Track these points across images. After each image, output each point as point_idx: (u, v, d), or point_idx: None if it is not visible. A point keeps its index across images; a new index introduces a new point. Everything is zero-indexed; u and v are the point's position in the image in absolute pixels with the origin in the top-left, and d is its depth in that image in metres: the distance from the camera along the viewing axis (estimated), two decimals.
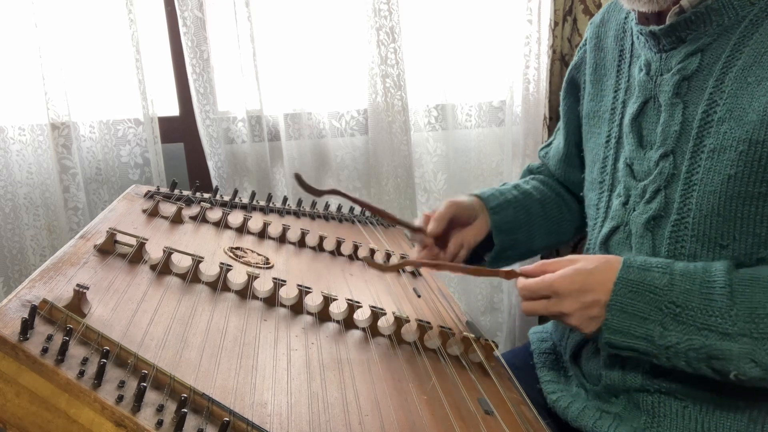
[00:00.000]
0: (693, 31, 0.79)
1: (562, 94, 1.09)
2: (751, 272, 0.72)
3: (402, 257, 1.11)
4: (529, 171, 1.21)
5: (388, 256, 1.08)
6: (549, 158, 1.15)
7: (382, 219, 1.10)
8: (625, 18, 0.93)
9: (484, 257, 1.05)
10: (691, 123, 0.79)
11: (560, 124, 1.12)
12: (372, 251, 1.09)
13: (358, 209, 1.31)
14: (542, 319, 1.65)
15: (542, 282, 0.76)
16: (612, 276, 0.74)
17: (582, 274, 0.75)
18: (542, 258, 1.30)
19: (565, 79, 1.07)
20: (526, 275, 0.79)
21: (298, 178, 0.95)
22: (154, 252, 0.79)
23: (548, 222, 1.08)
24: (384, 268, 0.88)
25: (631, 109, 0.87)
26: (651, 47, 0.85)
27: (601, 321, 0.74)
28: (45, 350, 0.52)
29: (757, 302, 0.69)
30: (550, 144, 1.17)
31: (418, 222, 1.00)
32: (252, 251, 0.94)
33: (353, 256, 1.06)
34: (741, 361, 0.68)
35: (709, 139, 0.77)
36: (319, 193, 0.97)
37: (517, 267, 0.84)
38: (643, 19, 0.85)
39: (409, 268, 1.08)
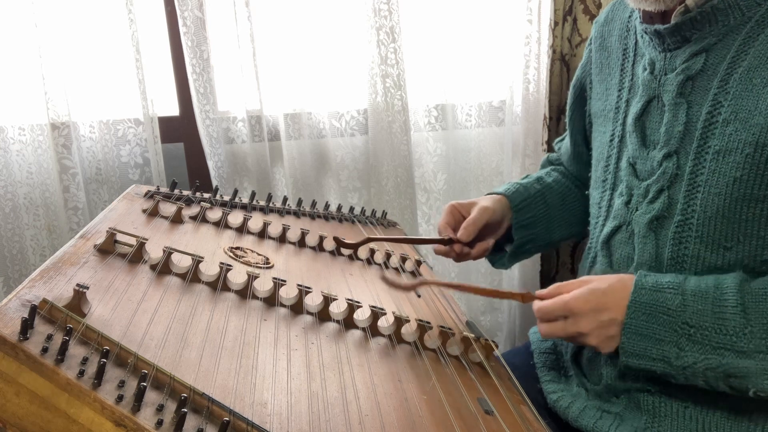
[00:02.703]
0: (698, 30, 0.79)
1: (569, 93, 1.09)
2: (763, 286, 0.71)
3: (402, 257, 1.11)
4: (549, 162, 1.22)
5: (389, 256, 1.08)
6: (562, 154, 1.17)
7: (417, 243, 1.16)
8: (629, 17, 0.93)
9: (505, 248, 1.07)
10: (695, 123, 0.79)
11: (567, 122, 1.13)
12: (372, 251, 1.09)
13: (357, 209, 1.31)
14: None
15: (557, 302, 0.76)
16: (626, 295, 0.74)
17: (596, 293, 0.75)
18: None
19: (573, 80, 1.08)
20: (542, 298, 0.79)
21: (337, 240, 1.00)
22: (154, 252, 0.79)
23: (568, 214, 1.10)
24: (401, 287, 0.88)
25: (635, 108, 0.87)
26: (655, 46, 0.84)
27: (619, 340, 0.75)
28: (45, 350, 0.52)
29: None
30: (563, 139, 1.19)
31: (444, 217, 1.03)
32: (252, 251, 0.94)
33: (353, 256, 1.06)
34: (759, 377, 0.68)
35: (714, 140, 0.76)
36: (356, 246, 1.02)
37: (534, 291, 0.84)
38: (648, 18, 0.85)
39: (408, 268, 1.08)
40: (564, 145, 1.16)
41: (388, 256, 1.08)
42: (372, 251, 1.09)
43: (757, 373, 0.68)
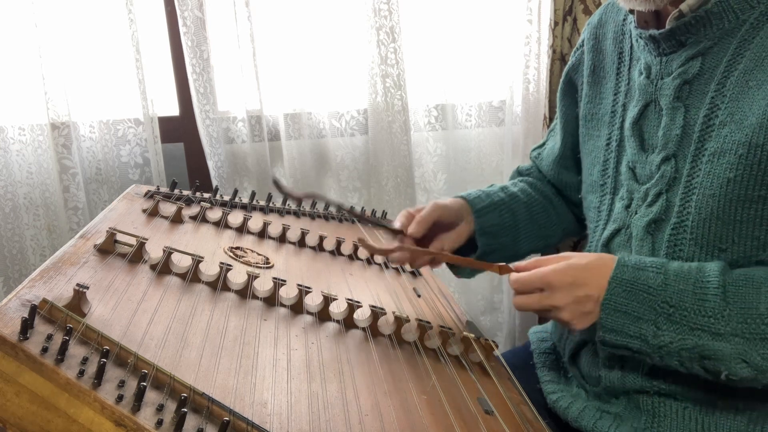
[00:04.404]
0: (693, 34, 0.79)
1: (559, 95, 1.08)
2: (745, 272, 0.72)
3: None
4: (519, 173, 1.19)
5: None
6: (542, 159, 1.14)
7: (362, 221, 1.09)
8: (624, 20, 0.93)
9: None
10: (693, 127, 0.79)
11: (556, 125, 1.11)
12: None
13: (358, 209, 1.30)
14: (542, 319, 1.65)
15: (535, 274, 0.76)
16: (606, 273, 0.74)
17: (575, 268, 0.75)
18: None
19: (562, 80, 1.07)
20: (520, 270, 0.79)
21: (276, 183, 0.93)
22: (154, 252, 0.79)
23: (534, 226, 1.07)
24: (376, 249, 0.84)
25: (632, 112, 0.87)
26: (651, 51, 0.84)
27: (594, 317, 0.75)
28: (45, 350, 0.52)
29: (749, 303, 0.69)
30: (543, 145, 1.16)
31: (398, 221, 0.98)
32: (252, 251, 0.94)
33: (353, 256, 1.06)
34: (732, 361, 0.69)
35: (711, 142, 0.76)
36: (297, 198, 0.96)
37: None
38: (642, 22, 0.84)
39: (408, 268, 1.08)
40: (547, 149, 1.13)
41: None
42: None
43: (730, 357, 0.69)
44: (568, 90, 1.05)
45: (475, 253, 1.02)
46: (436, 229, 0.98)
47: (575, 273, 0.74)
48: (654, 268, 0.73)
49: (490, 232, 1.01)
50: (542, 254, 0.85)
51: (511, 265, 0.80)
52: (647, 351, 0.73)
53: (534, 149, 1.18)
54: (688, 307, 0.71)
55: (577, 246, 1.88)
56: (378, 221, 1.03)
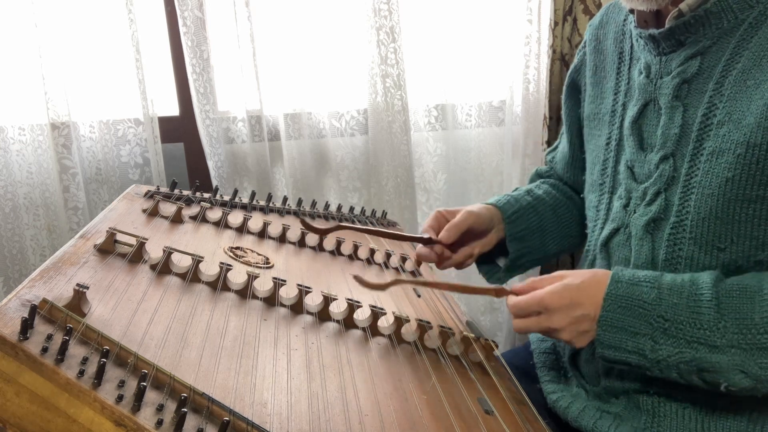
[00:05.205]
0: (692, 34, 0.79)
1: (563, 97, 1.09)
2: (738, 282, 0.72)
3: (402, 257, 1.11)
4: (538, 175, 1.20)
5: (389, 256, 1.08)
6: (556, 162, 1.15)
7: (394, 238, 1.10)
8: (624, 20, 0.93)
9: (497, 262, 1.06)
10: (691, 126, 0.79)
11: (564, 127, 1.12)
12: (372, 251, 1.09)
13: (357, 209, 1.31)
14: None
15: (532, 298, 0.76)
16: (600, 290, 0.74)
17: (570, 289, 0.75)
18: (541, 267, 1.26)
19: (565, 82, 1.07)
20: (517, 293, 0.79)
21: (304, 222, 0.97)
22: (154, 252, 0.79)
23: (561, 227, 1.08)
24: (374, 286, 0.84)
25: (632, 111, 0.87)
26: (650, 50, 0.84)
27: (592, 335, 0.75)
28: (45, 350, 0.52)
29: (744, 313, 0.69)
30: (556, 148, 1.17)
31: (429, 222, 1.00)
32: (252, 251, 0.94)
33: (353, 256, 1.06)
34: (731, 372, 0.69)
35: (709, 142, 0.77)
36: (324, 232, 0.99)
37: (507, 285, 0.84)
38: (642, 22, 0.85)
39: (409, 268, 1.08)
40: (559, 152, 1.14)
41: (388, 255, 1.08)
42: (372, 251, 1.09)
43: (728, 368, 0.69)
44: (572, 92, 1.06)
45: (507, 257, 1.04)
46: (468, 235, 0.99)
47: (570, 294, 0.75)
48: (648, 283, 0.74)
49: (520, 237, 1.03)
50: (572, 253, 0.85)
51: (508, 288, 0.80)
52: (646, 365, 0.73)
53: (548, 152, 1.19)
54: (683, 321, 0.71)
55: (574, 256, 1.87)
56: (409, 237, 1.04)
